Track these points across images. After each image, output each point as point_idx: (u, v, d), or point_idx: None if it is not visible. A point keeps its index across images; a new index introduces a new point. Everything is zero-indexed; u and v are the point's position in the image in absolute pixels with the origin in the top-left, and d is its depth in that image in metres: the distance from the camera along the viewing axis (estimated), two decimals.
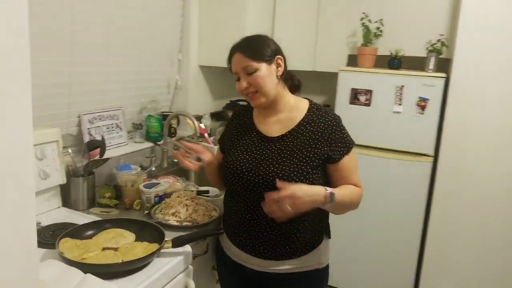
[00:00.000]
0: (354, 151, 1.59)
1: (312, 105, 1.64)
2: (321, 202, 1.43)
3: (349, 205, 1.56)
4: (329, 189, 1.44)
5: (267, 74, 1.53)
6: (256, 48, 1.54)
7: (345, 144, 1.55)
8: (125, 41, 2.42)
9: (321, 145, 1.53)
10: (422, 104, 2.75)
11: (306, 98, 1.68)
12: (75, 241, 1.50)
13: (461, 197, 2.76)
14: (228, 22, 2.86)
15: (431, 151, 2.79)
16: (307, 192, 1.42)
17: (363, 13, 2.99)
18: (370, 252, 3.01)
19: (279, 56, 1.57)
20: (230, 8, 2.86)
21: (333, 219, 1.69)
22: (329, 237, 1.68)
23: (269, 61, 1.54)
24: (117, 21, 2.31)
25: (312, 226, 1.59)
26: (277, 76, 1.57)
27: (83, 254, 1.42)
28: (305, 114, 1.60)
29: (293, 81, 1.67)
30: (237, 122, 1.73)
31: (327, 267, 1.67)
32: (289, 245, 1.56)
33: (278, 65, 1.57)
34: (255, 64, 1.52)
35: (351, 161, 1.57)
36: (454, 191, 2.77)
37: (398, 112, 2.81)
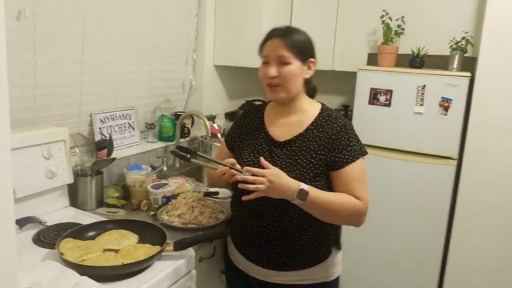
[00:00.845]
0: (362, 162, 1.49)
1: (323, 109, 1.56)
2: (290, 196, 1.38)
3: (332, 212, 1.43)
4: (304, 186, 1.38)
5: (298, 72, 1.49)
6: (299, 42, 1.48)
7: (350, 152, 1.46)
8: (138, 40, 2.40)
9: (325, 152, 1.46)
10: (445, 104, 2.63)
11: (319, 102, 1.61)
12: (76, 242, 1.48)
13: (487, 203, 2.63)
14: (244, 22, 2.81)
15: (454, 154, 2.66)
16: (282, 182, 1.37)
17: (384, 10, 2.90)
18: (389, 260, 2.90)
19: (313, 60, 1.53)
20: (246, 7, 2.81)
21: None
22: (339, 249, 1.61)
23: (304, 60, 1.49)
24: (130, 20, 2.29)
25: (319, 239, 1.52)
26: (304, 78, 1.52)
27: (84, 255, 1.39)
28: (315, 118, 1.53)
29: (309, 86, 1.60)
30: (247, 121, 1.67)
31: (337, 279, 1.60)
32: (293, 257, 1.50)
33: (309, 68, 1.53)
34: (291, 57, 1.46)
35: (355, 172, 1.46)
36: (480, 196, 2.64)
37: (420, 113, 2.70)
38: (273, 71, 1.47)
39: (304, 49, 1.49)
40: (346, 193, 1.45)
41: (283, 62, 1.46)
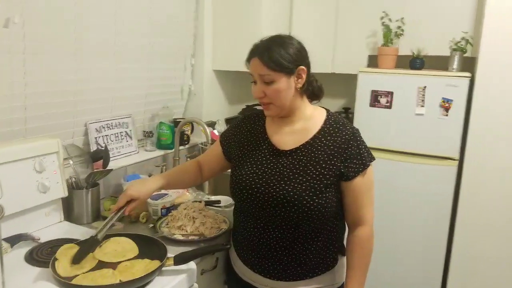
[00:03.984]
0: (371, 169, 1.46)
1: (329, 116, 1.51)
2: None
3: (369, 263, 1.54)
4: None
5: (284, 87, 1.40)
6: (277, 56, 1.37)
7: (361, 160, 1.42)
8: (134, 46, 2.34)
9: (336, 161, 1.41)
10: (446, 105, 2.59)
11: (323, 108, 1.55)
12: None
13: (488, 203, 2.59)
14: (243, 25, 2.77)
15: (456, 155, 2.63)
16: None
17: (383, 11, 2.85)
18: (391, 262, 2.86)
19: (302, 67, 1.42)
20: (245, 10, 2.76)
21: None
22: (345, 255, 1.57)
23: (289, 72, 1.39)
24: (125, 25, 2.23)
25: (326, 247, 1.49)
26: (296, 88, 1.43)
27: (77, 270, 1.34)
28: (321, 126, 1.48)
29: (313, 89, 1.52)
30: (248, 129, 1.61)
31: (342, 285, 1.57)
32: (301, 267, 1.46)
33: (299, 77, 1.42)
34: (273, 75, 1.38)
35: (366, 182, 1.44)
36: (481, 197, 2.60)
37: (421, 114, 2.66)
38: (259, 92, 1.43)
39: (284, 62, 1.38)
40: (353, 209, 1.47)
41: (267, 82, 1.40)
